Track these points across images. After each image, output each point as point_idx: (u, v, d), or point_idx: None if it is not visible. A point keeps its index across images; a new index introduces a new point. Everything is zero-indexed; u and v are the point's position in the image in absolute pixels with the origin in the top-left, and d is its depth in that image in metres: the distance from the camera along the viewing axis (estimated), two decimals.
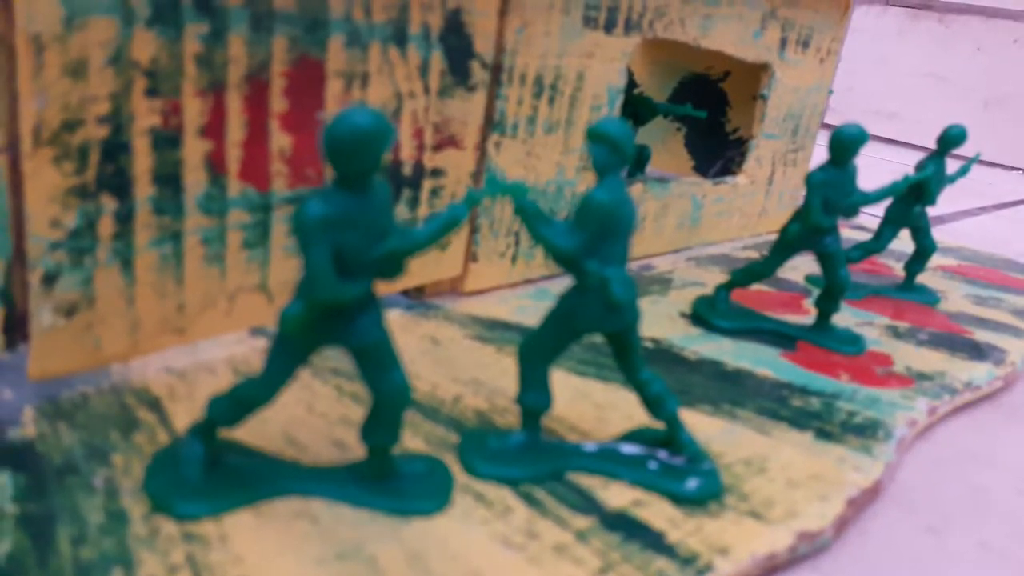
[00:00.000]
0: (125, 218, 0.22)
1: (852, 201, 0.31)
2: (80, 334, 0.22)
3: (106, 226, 0.22)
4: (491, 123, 0.32)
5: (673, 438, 0.23)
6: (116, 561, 0.17)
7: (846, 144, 0.31)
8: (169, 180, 0.23)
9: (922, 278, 0.46)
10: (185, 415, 0.22)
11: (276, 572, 0.17)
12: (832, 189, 0.31)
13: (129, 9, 0.20)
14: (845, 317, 0.38)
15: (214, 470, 0.19)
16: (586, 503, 0.21)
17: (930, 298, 0.42)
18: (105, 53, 0.20)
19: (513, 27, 0.31)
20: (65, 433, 0.21)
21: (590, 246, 0.21)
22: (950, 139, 0.39)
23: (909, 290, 0.43)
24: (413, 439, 0.23)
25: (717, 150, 0.55)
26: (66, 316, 0.22)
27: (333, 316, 0.18)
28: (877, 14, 1.29)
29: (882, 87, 1.30)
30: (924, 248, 0.42)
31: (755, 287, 0.40)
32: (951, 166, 0.43)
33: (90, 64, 0.20)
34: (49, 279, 0.21)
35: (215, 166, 0.23)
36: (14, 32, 0.19)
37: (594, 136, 0.21)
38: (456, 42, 0.29)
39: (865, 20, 1.30)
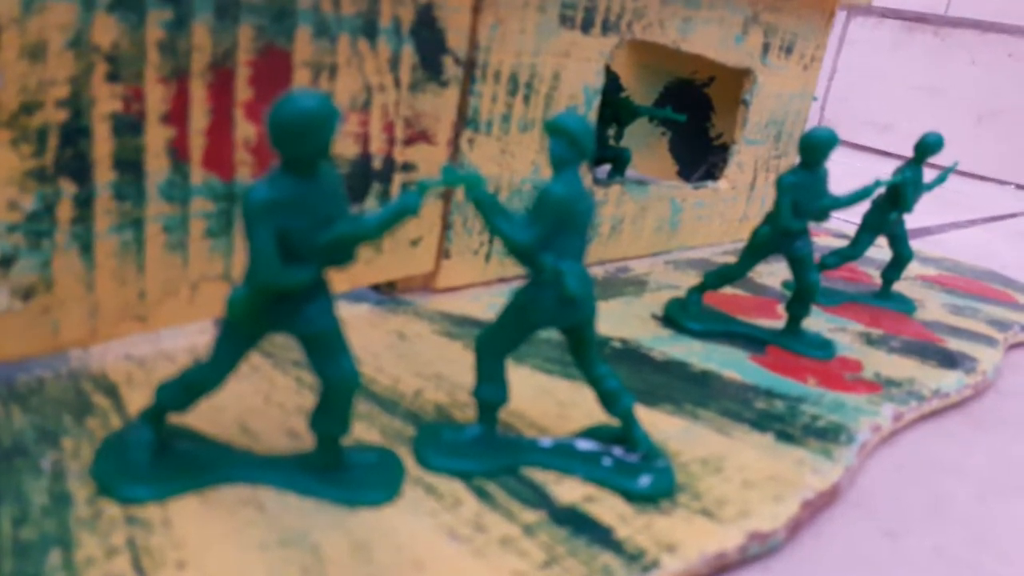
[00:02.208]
0: (85, 203, 0.22)
1: (822, 205, 0.32)
2: (37, 318, 0.22)
3: (65, 210, 0.22)
4: (465, 119, 0.32)
5: (627, 434, 0.23)
6: (56, 542, 0.17)
7: (817, 147, 0.31)
8: (130, 166, 0.23)
9: (902, 287, 0.47)
10: (141, 401, 0.22)
11: (217, 556, 0.17)
12: (802, 192, 0.31)
13: None
14: (819, 323, 0.38)
15: (163, 455, 0.19)
16: (538, 497, 0.21)
17: (906, 306, 0.42)
18: (64, 36, 0.20)
19: (487, 23, 0.31)
20: (17, 416, 0.21)
21: (546, 239, 0.21)
22: (926, 146, 0.39)
23: (885, 298, 0.43)
24: (369, 431, 0.23)
25: (701, 155, 0.55)
26: (23, 299, 0.22)
27: (280, 302, 0.18)
28: (872, 26, 1.30)
29: (877, 99, 1.30)
30: (901, 256, 0.42)
31: (731, 291, 0.41)
32: (930, 175, 0.44)
33: (49, 47, 0.20)
34: (5, 262, 0.21)
35: (178, 153, 0.23)
36: None
37: (553, 129, 0.21)
38: (428, 36, 0.29)
39: (860, 32, 1.31)
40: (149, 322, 0.25)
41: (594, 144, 0.21)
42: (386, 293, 0.33)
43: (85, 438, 0.20)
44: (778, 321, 0.37)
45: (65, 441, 0.20)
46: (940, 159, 1.18)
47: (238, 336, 0.18)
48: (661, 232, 0.44)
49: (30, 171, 0.21)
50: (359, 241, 0.18)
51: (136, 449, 0.19)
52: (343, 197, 0.18)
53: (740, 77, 0.47)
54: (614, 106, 0.50)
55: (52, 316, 0.22)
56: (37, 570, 0.16)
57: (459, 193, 0.33)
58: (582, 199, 0.21)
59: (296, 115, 0.16)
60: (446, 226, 0.33)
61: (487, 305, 0.34)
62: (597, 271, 0.41)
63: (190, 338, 0.26)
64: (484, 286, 0.36)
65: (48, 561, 0.16)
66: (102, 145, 0.22)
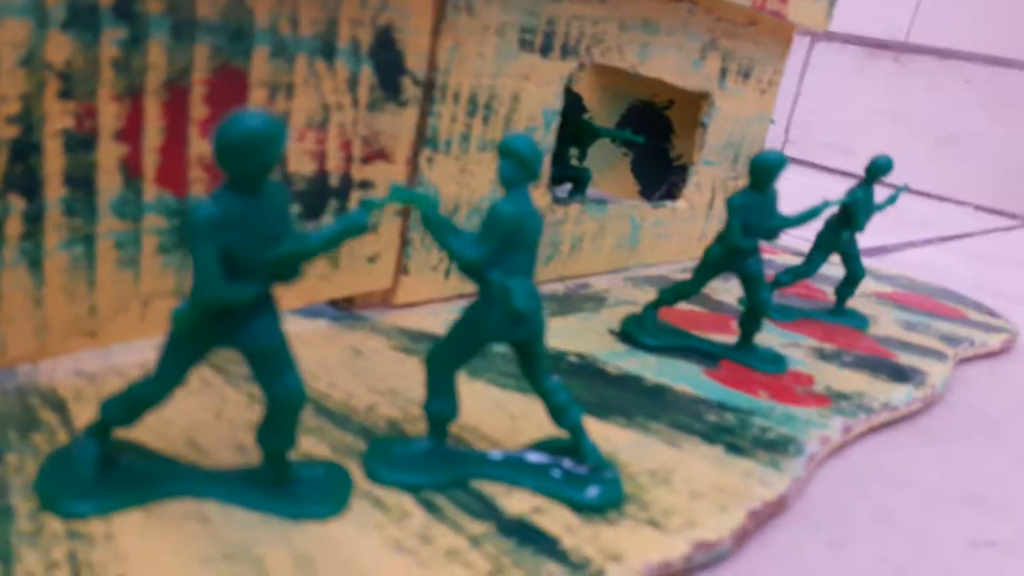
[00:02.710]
0: (34, 218, 0.22)
1: (772, 224, 0.32)
2: None
3: (14, 226, 0.22)
4: (423, 139, 0.32)
5: (576, 446, 0.23)
6: None
7: (766, 169, 0.32)
8: (82, 182, 0.23)
9: (856, 303, 0.48)
10: (89, 417, 0.22)
11: (159, 570, 0.17)
12: (752, 212, 0.32)
13: (44, 12, 0.21)
14: (772, 338, 0.39)
15: (107, 470, 0.19)
16: (486, 509, 0.21)
17: (860, 322, 0.43)
18: (17, 53, 0.20)
19: (446, 46, 0.31)
20: None
21: (495, 256, 0.21)
22: (877, 168, 0.41)
23: (839, 314, 0.44)
24: (319, 446, 0.23)
25: (662, 175, 0.56)
26: None
27: (225, 317, 0.18)
28: (835, 51, 1.33)
29: (839, 122, 1.33)
30: (854, 273, 0.43)
31: (687, 307, 0.41)
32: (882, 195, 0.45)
33: (0, 64, 0.20)
34: None
35: (130, 170, 0.24)
36: None
37: (504, 151, 0.21)
38: (387, 58, 0.29)
39: (823, 57, 1.34)
40: (99, 337, 0.25)
41: (541, 165, 0.22)
42: (344, 309, 0.33)
43: (30, 453, 0.20)
44: (733, 336, 0.37)
45: (9, 456, 0.20)
46: (893, 180, 1.21)
47: (183, 351, 0.18)
48: (621, 249, 0.45)
49: None
50: (304, 258, 0.18)
51: (81, 464, 0.19)
52: (288, 215, 0.18)
53: (699, 100, 0.48)
54: (576, 127, 0.51)
55: None
56: None
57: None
58: (531, 218, 0.21)
59: (241, 134, 0.16)
60: (404, 242, 0.34)
61: (445, 321, 0.34)
62: (557, 287, 0.41)
63: (141, 354, 0.26)
64: (443, 302, 0.36)
65: None
66: (53, 161, 0.22)
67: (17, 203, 0.22)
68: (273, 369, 0.19)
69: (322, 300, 0.32)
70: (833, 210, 0.41)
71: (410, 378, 0.28)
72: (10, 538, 0.17)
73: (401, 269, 0.34)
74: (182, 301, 0.18)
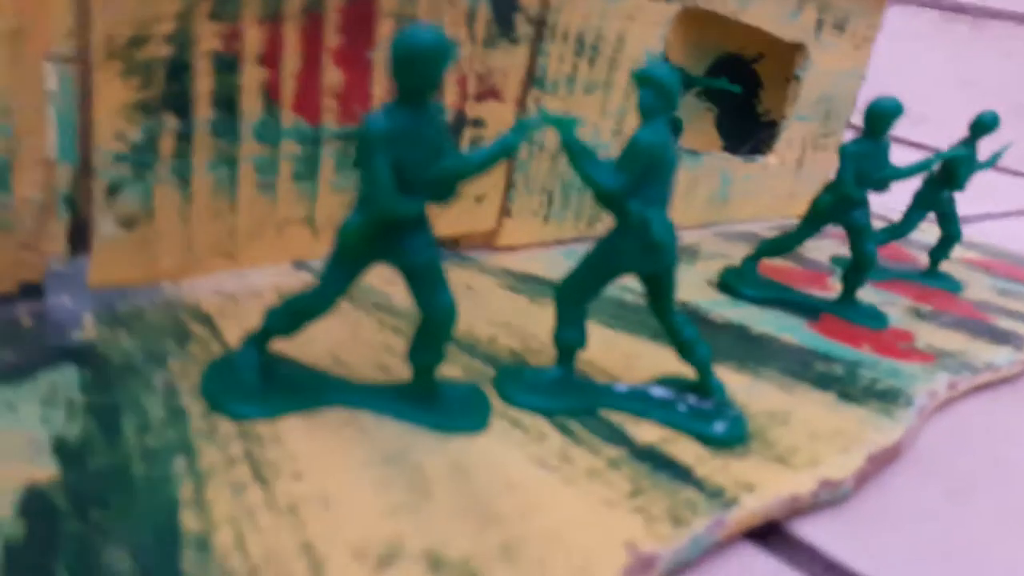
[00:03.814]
0: (184, 137, 0.23)
1: (884, 175, 0.32)
2: (138, 247, 0.23)
3: (167, 143, 0.22)
4: (532, 78, 0.32)
5: (702, 382, 0.24)
6: (179, 450, 0.17)
7: (881, 116, 0.31)
8: (227, 104, 0.23)
9: (945, 267, 0.47)
10: (236, 331, 0.23)
11: (327, 470, 0.18)
12: (865, 161, 0.32)
13: None
14: (868, 296, 0.38)
15: (267, 378, 0.20)
16: (617, 436, 0.22)
17: (953, 285, 0.43)
18: None
19: None
20: (124, 338, 0.21)
21: (633, 187, 0.21)
22: (982, 124, 0.40)
23: (932, 277, 0.43)
24: (452, 369, 0.23)
25: (747, 131, 0.55)
26: (126, 228, 0.22)
27: (387, 233, 0.18)
28: (910, 15, 1.29)
29: (911, 89, 1.29)
30: (949, 235, 0.42)
31: (782, 263, 0.41)
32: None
33: None
34: (112, 190, 0.22)
35: (271, 95, 0.24)
36: None
37: (641, 78, 0.21)
38: None
39: (897, 21, 1.30)
40: (236, 259, 0.25)
41: (680, 95, 0.22)
42: (450, 248, 0.34)
43: (190, 361, 0.21)
44: (829, 292, 0.37)
45: (172, 363, 0.21)
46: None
47: (347, 264, 0.19)
48: (711, 203, 0.45)
49: (137, 103, 0.22)
50: (464, 176, 0.19)
51: (244, 370, 0.20)
52: (447, 134, 0.19)
53: (790, 54, 0.47)
54: None
55: (151, 246, 0.23)
56: (165, 473, 0.17)
57: (523, 151, 0.34)
58: (668, 148, 0.21)
59: (416, 46, 0.17)
60: (508, 185, 0.34)
61: (546, 264, 0.34)
62: None
63: (274, 277, 0.26)
64: (541, 247, 0.37)
65: (174, 466, 0.17)
66: (202, 82, 0.23)
67: (170, 121, 0.22)
68: (429, 286, 0.19)
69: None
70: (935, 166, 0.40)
71: (523, 314, 0.29)
72: (189, 435, 0.18)
73: (504, 211, 0.34)
74: (350, 214, 0.18)
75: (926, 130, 1.26)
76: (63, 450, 0.17)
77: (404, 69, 0.17)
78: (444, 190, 0.19)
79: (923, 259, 0.45)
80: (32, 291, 0.22)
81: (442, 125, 0.19)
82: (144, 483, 0.16)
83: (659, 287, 0.23)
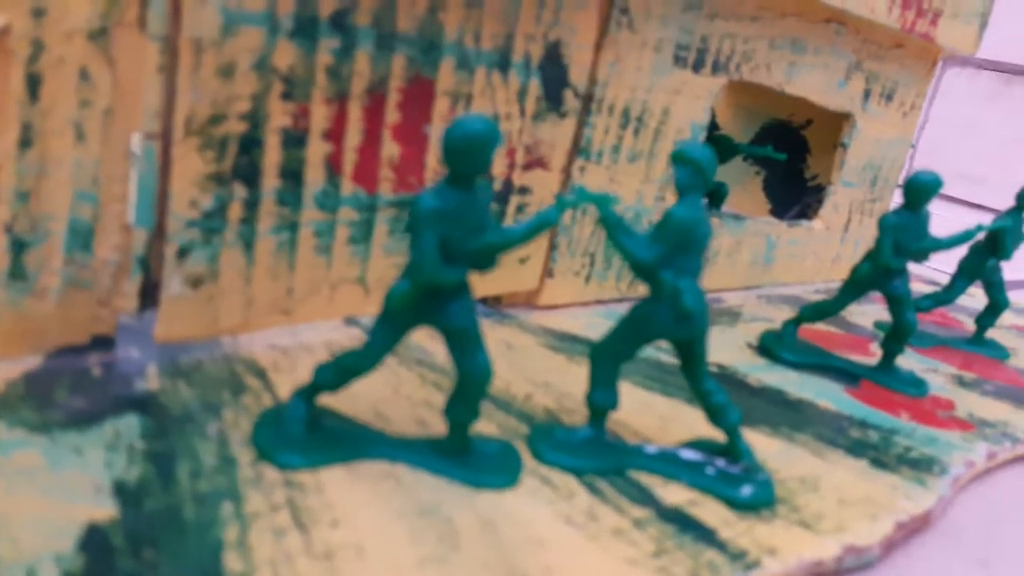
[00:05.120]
0: (252, 205, 0.25)
1: (923, 246, 0.32)
2: (202, 305, 0.25)
3: (235, 211, 0.24)
4: (578, 148, 0.34)
5: (732, 447, 0.24)
6: (227, 495, 0.19)
7: (921, 190, 0.32)
8: (292, 175, 0.25)
9: (995, 335, 0.46)
10: (287, 384, 0.24)
11: (364, 519, 0.19)
12: (904, 232, 0.32)
13: (275, 21, 0.23)
14: (911, 363, 0.39)
15: (313, 430, 0.21)
16: (644, 497, 0.23)
17: (1000, 353, 0.42)
18: (251, 58, 0.23)
19: (607, 61, 0.33)
20: (183, 389, 0.23)
21: (666, 258, 0.22)
22: None
23: (979, 343, 0.43)
24: (487, 426, 0.25)
25: (795, 195, 0.56)
26: (193, 287, 0.24)
27: (431, 298, 0.20)
28: (969, 76, 1.28)
29: (970, 151, 1.28)
30: (997, 303, 0.42)
31: (824, 327, 0.41)
32: None
33: (238, 67, 0.23)
34: (182, 252, 0.24)
35: (333, 167, 0.26)
36: (179, 36, 0.22)
37: (679, 158, 0.23)
38: (553, 72, 0.31)
39: (956, 82, 1.29)
40: (292, 316, 0.27)
41: (715, 173, 0.23)
42: (492, 306, 0.35)
43: (242, 412, 0.23)
44: (870, 358, 0.37)
45: (226, 413, 0.22)
46: None
47: (393, 325, 0.20)
48: (755, 266, 0.45)
49: (211, 174, 0.24)
50: (504, 249, 0.20)
51: (292, 422, 0.21)
52: (490, 211, 0.20)
53: (838, 121, 0.48)
54: (715, 142, 0.51)
55: (214, 304, 0.25)
56: (213, 517, 0.18)
57: (567, 216, 0.35)
58: (701, 223, 0.23)
59: (467, 135, 0.18)
60: (552, 246, 0.35)
61: (586, 324, 0.36)
62: None
63: (325, 334, 0.28)
64: (582, 306, 0.38)
65: (222, 511, 0.18)
66: (271, 155, 0.25)
67: (240, 191, 0.24)
68: (466, 347, 0.21)
69: (476, 297, 0.34)
70: (980, 236, 0.41)
71: (560, 373, 0.30)
72: (237, 481, 0.19)
73: (547, 272, 0.36)
74: (398, 281, 0.20)
75: (986, 191, 1.24)
76: (122, 492, 0.18)
77: (455, 156, 0.19)
78: (485, 261, 0.20)
79: (970, 326, 0.45)
80: (103, 343, 0.24)
81: (487, 202, 0.20)
82: (193, 525, 0.18)
83: (690, 353, 0.24)
